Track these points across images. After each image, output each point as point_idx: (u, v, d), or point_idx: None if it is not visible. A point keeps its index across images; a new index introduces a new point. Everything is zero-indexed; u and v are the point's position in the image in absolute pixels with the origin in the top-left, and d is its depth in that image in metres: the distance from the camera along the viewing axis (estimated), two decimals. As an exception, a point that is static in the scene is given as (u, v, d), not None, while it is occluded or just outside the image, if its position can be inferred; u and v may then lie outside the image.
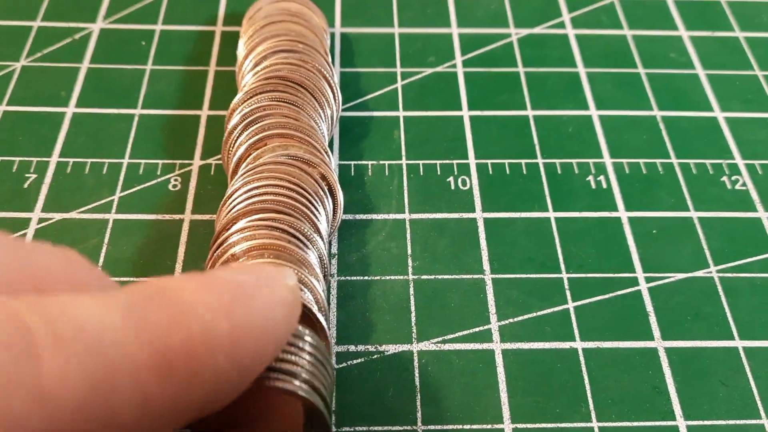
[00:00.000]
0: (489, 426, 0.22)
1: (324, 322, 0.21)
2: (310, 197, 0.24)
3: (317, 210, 0.24)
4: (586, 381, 0.23)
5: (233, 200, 0.24)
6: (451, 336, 0.24)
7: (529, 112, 0.31)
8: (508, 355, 0.24)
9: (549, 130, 0.30)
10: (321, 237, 0.23)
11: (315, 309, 0.21)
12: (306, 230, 0.23)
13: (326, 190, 0.25)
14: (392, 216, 0.27)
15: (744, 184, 0.29)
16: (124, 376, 0.11)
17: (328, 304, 0.24)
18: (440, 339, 0.24)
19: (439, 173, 0.29)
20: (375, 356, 0.23)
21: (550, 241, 0.27)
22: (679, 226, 0.27)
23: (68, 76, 0.31)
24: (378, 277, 0.25)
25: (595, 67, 0.33)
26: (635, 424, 0.22)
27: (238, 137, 0.26)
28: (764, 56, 0.34)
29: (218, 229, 0.23)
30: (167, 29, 0.34)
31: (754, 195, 0.28)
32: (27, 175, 0.28)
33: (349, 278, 0.25)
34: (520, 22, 0.35)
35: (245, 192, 0.24)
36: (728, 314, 0.25)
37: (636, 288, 0.25)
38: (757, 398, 0.23)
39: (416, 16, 0.35)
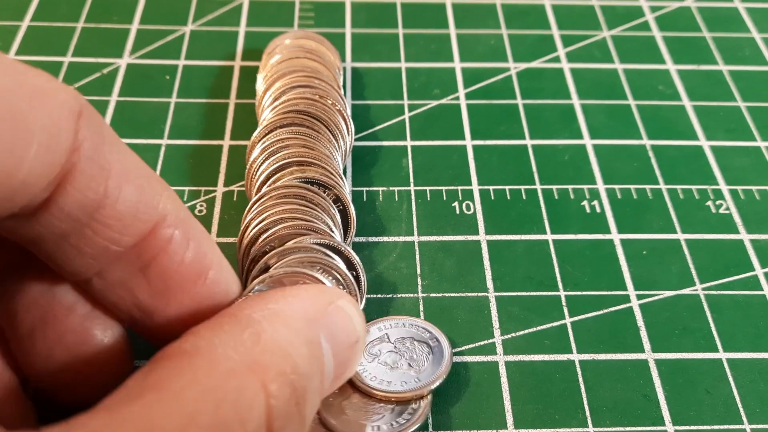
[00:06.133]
0: (494, 431, 0.24)
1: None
2: (324, 217, 0.27)
3: (332, 230, 0.26)
4: (583, 390, 0.25)
5: (252, 229, 0.27)
6: (458, 349, 0.26)
7: (528, 141, 0.33)
8: (510, 367, 0.26)
9: (546, 158, 0.33)
10: (339, 253, 0.26)
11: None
12: (326, 252, 0.25)
13: (337, 210, 0.27)
14: (402, 238, 0.29)
15: (727, 209, 0.31)
16: None
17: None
18: (448, 352, 0.26)
19: (444, 198, 0.31)
20: (388, 368, 0.25)
21: (548, 261, 0.29)
22: (668, 247, 0.29)
23: (98, 109, 0.33)
24: (390, 295, 0.27)
25: (588, 98, 0.35)
26: (628, 429, 0.24)
27: (259, 167, 0.29)
28: (746, 88, 0.36)
29: (240, 266, 0.26)
30: (189, 64, 0.36)
31: (737, 218, 0.31)
32: (63, 201, 0.30)
33: (363, 296, 0.27)
34: (518, 57, 0.37)
35: (263, 220, 0.26)
36: (713, 328, 0.27)
37: (628, 305, 0.28)
38: (740, 405, 0.25)
39: (421, 51, 0.37)
